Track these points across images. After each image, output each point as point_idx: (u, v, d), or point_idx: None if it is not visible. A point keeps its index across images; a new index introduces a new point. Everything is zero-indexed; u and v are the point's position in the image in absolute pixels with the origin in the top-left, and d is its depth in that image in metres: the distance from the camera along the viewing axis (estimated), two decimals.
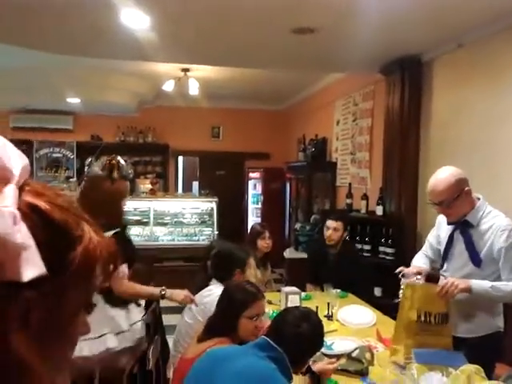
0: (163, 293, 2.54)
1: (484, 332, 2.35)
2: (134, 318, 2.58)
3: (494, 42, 3.60)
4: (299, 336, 1.72)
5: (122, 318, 2.51)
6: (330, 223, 3.80)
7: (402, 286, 2.35)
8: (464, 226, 2.35)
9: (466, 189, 2.29)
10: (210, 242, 3.03)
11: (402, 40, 4.08)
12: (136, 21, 3.67)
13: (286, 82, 7.12)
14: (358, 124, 5.84)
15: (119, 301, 2.48)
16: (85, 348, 2.25)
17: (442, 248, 2.51)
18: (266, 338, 1.71)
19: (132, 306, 2.62)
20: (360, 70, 5.34)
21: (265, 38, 4.09)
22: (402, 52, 4.41)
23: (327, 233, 3.80)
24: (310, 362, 2.05)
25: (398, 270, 2.45)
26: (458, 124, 4.05)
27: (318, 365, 2.06)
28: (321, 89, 7.13)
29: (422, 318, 2.25)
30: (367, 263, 4.17)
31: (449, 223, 2.44)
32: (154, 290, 2.58)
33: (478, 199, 2.37)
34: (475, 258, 2.31)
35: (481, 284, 2.23)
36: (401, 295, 2.34)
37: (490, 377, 2.06)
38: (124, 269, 2.42)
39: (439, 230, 2.57)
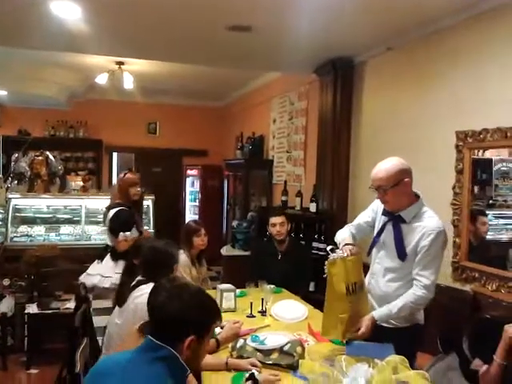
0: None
1: (402, 324, 2.45)
2: (119, 269, 3.48)
3: (420, 46, 3.78)
4: (180, 323, 1.57)
5: (110, 269, 3.79)
6: (276, 219, 3.89)
7: (325, 265, 2.37)
8: (396, 220, 2.44)
9: (406, 179, 2.37)
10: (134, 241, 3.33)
11: (335, 42, 4.19)
12: (66, 11, 3.52)
13: (224, 79, 7.11)
14: (293, 123, 5.95)
15: (116, 256, 3.79)
16: (86, 279, 3.82)
17: (374, 232, 2.59)
18: (150, 338, 1.58)
19: (120, 262, 3.57)
20: (295, 70, 5.43)
21: (200, 33, 4.06)
22: (335, 53, 4.54)
23: (275, 229, 3.87)
24: (255, 372, 2.05)
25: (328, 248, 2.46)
26: (387, 125, 4.23)
27: (263, 375, 2.07)
28: (258, 87, 7.19)
29: (350, 289, 2.30)
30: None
31: (384, 213, 2.52)
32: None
33: (418, 197, 2.46)
34: (401, 252, 2.41)
35: (382, 313, 2.38)
36: (326, 272, 2.37)
37: (412, 366, 2.16)
38: (126, 234, 3.80)
39: (377, 214, 2.62)
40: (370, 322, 2.35)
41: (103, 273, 3.82)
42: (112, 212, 3.95)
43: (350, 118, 4.71)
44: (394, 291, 2.45)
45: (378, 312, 2.40)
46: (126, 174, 4.09)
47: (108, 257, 3.91)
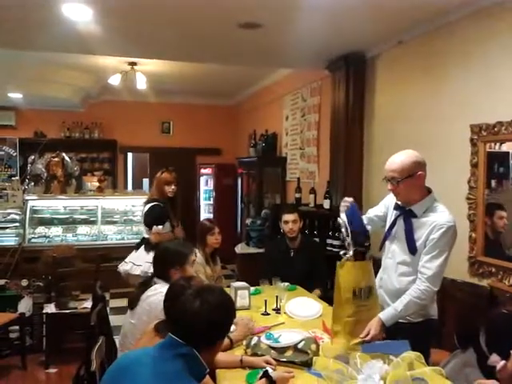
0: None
1: (415, 319, 2.43)
2: (149, 258, 3.60)
3: (431, 39, 3.73)
4: (213, 330, 1.64)
5: (142, 258, 4.03)
6: (288, 217, 3.87)
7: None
8: (407, 215, 2.43)
9: (419, 173, 2.36)
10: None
11: (346, 37, 4.16)
12: (78, 13, 3.55)
13: (236, 77, 7.12)
14: (306, 119, 5.93)
15: (149, 248, 3.99)
16: (121, 267, 4.14)
17: (385, 229, 2.59)
18: (171, 335, 1.62)
19: (152, 253, 3.69)
20: (307, 66, 5.41)
21: (212, 32, 4.06)
22: (346, 49, 4.51)
23: (287, 226, 3.85)
24: (269, 370, 2.05)
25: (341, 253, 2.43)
26: (400, 119, 4.18)
27: (277, 373, 2.07)
28: (270, 84, 7.18)
29: (357, 293, 2.30)
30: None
31: (395, 207, 2.52)
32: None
33: (430, 192, 2.44)
34: (412, 246, 2.40)
35: (389, 314, 2.33)
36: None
37: (426, 362, 2.14)
38: (159, 227, 4.08)
39: (389, 209, 2.62)
40: (379, 324, 2.32)
41: (135, 261, 4.11)
42: (147, 206, 4.27)
43: (362, 113, 4.68)
44: (406, 285, 2.42)
45: (385, 314, 2.36)
46: (163, 172, 4.41)
47: (142, 247, 4.18)
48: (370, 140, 4.61)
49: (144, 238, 4.30)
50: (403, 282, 2.45)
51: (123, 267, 4.16)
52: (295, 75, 6.16)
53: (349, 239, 2.35)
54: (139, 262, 4.05)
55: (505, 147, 3.13)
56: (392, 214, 2.56)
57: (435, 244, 2.32)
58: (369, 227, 2.59)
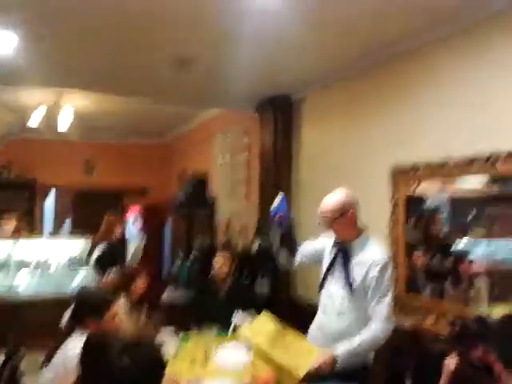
0: None
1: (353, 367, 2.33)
2: None
3: (354, 82, 3.91)
4: (127, 382, 1.53)
5: None
6: (218, 259, 3.79)
7: None
8: (345, 252, 2.46)
9: (351, 211, 2.43)
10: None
11: (273, 80, 4.30)
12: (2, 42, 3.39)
13: (166, 115, 7.07)
14: (235, 159, 5.96)
15: None
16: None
17: (324, 268, 2.57)
18: None
19: None
20: (236, 107, 5.49)
21: (142, 65, 4.02)
22: (273, 91, 4.64)
23: (217, 268, 3.76)
24: None
25: None
26: (325, 160, 4.32)
27: None
28: (201, 123, 7.20)
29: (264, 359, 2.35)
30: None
31: (334, 245, 2.53)
32: None
33: (365, 229, 2.50)
34: (349, 284, 2.40)
35: (342, 349, 2.27)
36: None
37: None
38: (112, 270, 4.13)
39: (326, 248, 2.62)
40: (329, 357, 2.23)
41: None
42: (97, 250, 4.51)
43: (290, 152, 4.79)
44: (347, 327, 2.38)
45: (338, 349, 2.26)
46: (109, 215, 4.73)
47: None
48: (298, 179, 4.71)
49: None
50: (343, 321, 2.41)
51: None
52: (226, 115, 6.23)
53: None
54: None
55: (422, 188, 3.27)
56: (331, 253, 2.56)
57: (377, 284, 2.32)
58: (298, 259, 2.72)
